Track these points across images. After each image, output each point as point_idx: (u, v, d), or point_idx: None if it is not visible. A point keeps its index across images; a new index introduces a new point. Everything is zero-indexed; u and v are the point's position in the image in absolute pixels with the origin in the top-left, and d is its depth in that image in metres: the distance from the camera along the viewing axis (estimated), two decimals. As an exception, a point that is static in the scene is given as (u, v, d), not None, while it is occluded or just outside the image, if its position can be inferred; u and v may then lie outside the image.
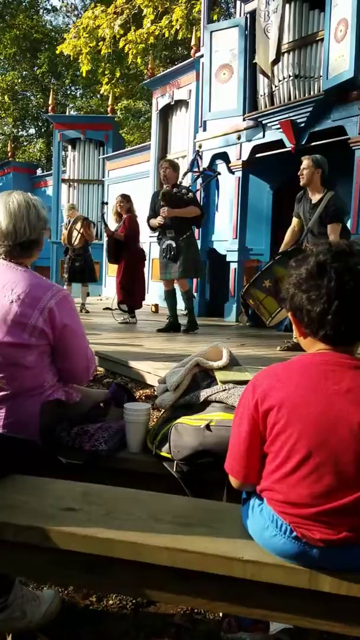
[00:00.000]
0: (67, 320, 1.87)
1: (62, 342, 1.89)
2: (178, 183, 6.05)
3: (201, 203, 7.99)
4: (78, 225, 7.83)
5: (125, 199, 6.78)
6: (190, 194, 5.87)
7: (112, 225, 6.90)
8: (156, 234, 6.10)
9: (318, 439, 1.18)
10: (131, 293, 6.74)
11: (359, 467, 1.16)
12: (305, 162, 4.65)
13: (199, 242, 8.08)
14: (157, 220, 5.84)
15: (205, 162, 7.85)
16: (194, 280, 7.91)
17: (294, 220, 4.92)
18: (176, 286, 6.03)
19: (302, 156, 4.78)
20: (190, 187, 6.40)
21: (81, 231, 7.79)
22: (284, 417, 1.22)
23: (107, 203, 6.85)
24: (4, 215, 1.84)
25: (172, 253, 5.77)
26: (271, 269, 4.57)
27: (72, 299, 1.95)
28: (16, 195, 1.89)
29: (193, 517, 1.44)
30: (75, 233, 7.81)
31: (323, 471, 1.18)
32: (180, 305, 6.08)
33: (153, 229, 6.03)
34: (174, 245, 5.76)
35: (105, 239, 8.13)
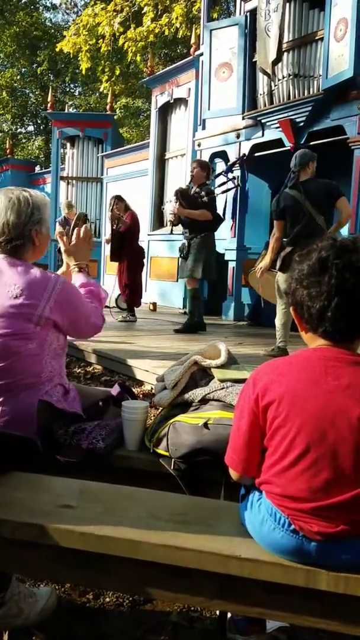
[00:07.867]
0: (72, 310, 1.94)
1: (72, 327, 1.99)
2: (207, 183, 5.98)
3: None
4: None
5: (119, 199, 6.77)
6: (205, 198, 5.77)
7: (108, 229, 6.85)
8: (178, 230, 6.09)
9: (317, 433, 1.19)
10: (134, 291, 6.75)
11: (356, 462, 1.17)
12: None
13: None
14: (169, 218, 5.88)
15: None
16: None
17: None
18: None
19: None
20: (212, 189, 6.18)
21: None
22: (284, 412, 1.23)
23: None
24: None
25: (184, 252, 5.86)
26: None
27: (71, 284, 2.01)
28: (6, 193, 1.91)
29: (190, 515, 1.44)
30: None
31: (321, 465, 1.18)
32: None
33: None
34: (186, 244, 5.85)
35: (104, 237, 8.06)
